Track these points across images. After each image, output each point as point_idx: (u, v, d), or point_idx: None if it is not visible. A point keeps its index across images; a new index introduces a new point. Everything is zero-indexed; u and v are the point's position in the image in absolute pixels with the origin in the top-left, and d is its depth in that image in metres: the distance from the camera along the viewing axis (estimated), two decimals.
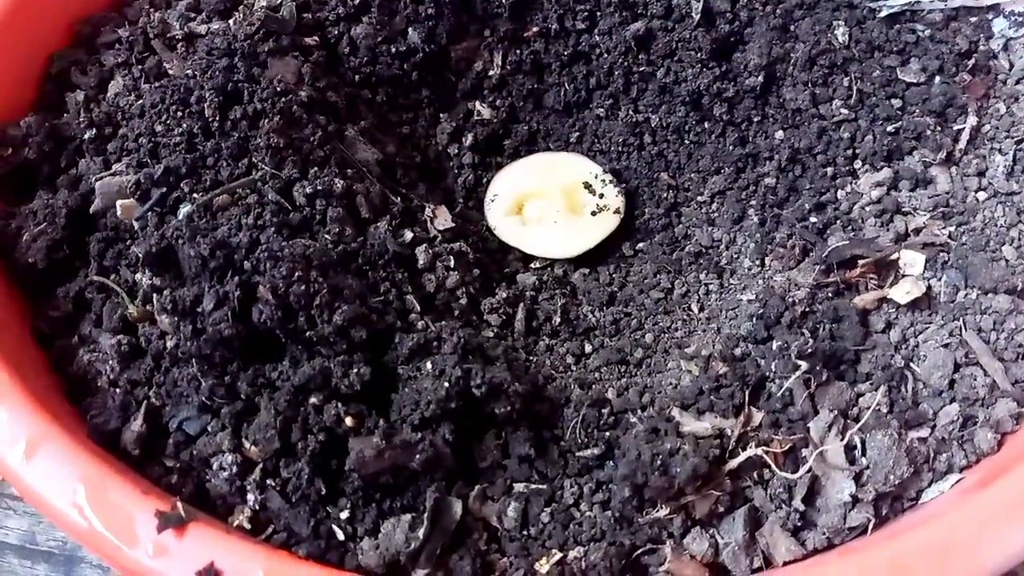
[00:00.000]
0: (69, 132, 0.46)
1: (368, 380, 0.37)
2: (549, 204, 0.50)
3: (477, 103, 0.52)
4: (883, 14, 0.48)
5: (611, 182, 0.50)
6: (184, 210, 0.41)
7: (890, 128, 0.46)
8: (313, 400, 0.37)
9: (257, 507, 0.37)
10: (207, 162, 0.43)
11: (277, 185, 0.42)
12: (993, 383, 0.39)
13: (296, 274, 0.38)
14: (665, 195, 0.50)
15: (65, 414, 0.39)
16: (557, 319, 0.45)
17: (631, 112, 0.51)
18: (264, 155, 0.42)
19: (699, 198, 0.49)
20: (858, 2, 0.48)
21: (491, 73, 0.52)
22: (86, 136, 0.46)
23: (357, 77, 0.50)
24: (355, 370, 0.37)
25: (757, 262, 0.46)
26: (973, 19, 0.48)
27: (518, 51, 0.52)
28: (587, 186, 0.50)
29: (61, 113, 0.47)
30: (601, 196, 0.50)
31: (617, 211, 0.50)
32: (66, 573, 0.49)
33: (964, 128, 0.45)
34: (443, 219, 0.47)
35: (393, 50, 0.50)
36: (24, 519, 0.50)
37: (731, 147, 0.48)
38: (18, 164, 0.45)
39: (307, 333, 0.38)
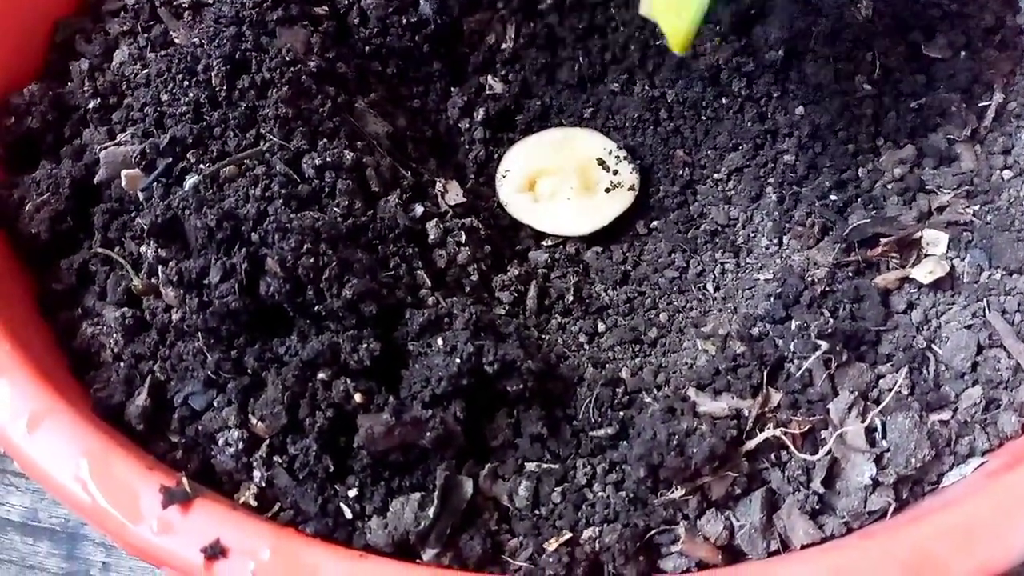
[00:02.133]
0: (73, 101, 0.45)
1: (378, 356, 0.37)
2: (562, 181, 0.49)
3: (489, 77, 0.51)
4: None
5: (626, 159, 0.49)
6: (190, 181, 0.40)
7: (914, 104, 0.45)
8: (321, 376, 0.36)
9: (264, 484, 0.36)
10: (214, 132, 0.42)
11: (285, 156, 0.41)
12: (1017, 365, 0.38)
13: (305, 247, 0.37)
14: (681, 172, 0.49)
15: (69, 388, 0.38)
16: (570, 297, 0.45)
17: (647, 87, 0.50)
18: (272, 126, 0.41)
19: (716, 175, 0.48)
20: None
21: (504, 46, 0.51)
22: (90, 105, 0.45)
23: (367, 48, 0.48)
24: (364, 345, 0.37)
25: (775, 241, 0.45)
26: None
27: (532, 24, 0.51)
28: (601, 163, 0.49)
29: (65, 82, 0.46)
30: (615, 173, 0.49)
31: (631, 188, 0.49)
32: (68, 550, 0.49)
33: (990, 105, 0.44)
34: (454, 194, 0.46)
35: (404, 21, 0.49)
36: (26, 496, 0.50)
37: (749, 123, 0.47)
38: (21, 133, 0.44)
39: (316, 307, 0.37)
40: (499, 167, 0.50)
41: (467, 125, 0.51)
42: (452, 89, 0.51)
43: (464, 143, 0.51)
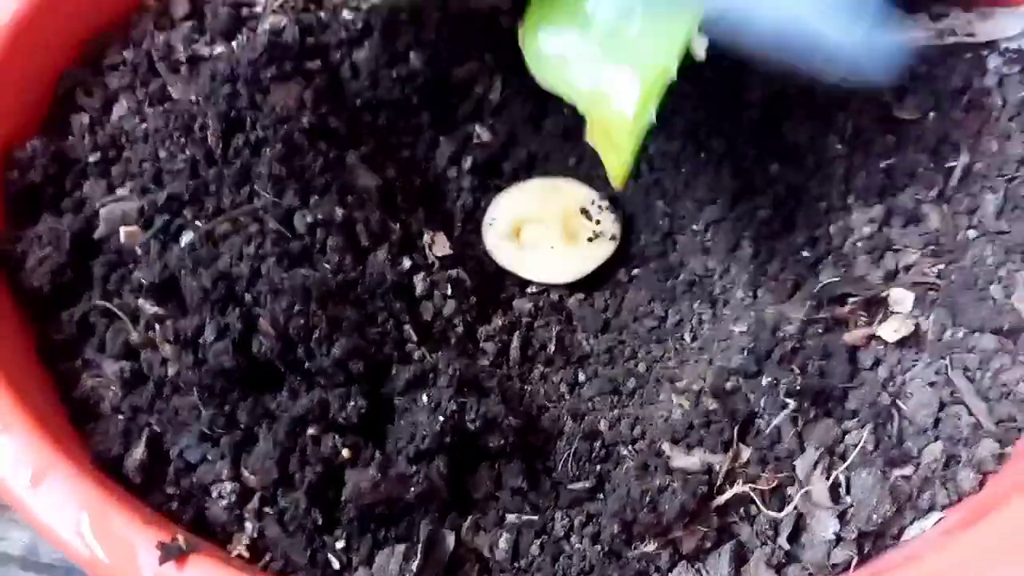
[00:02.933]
0: (74, 154, 0.47)
1: (365, 412, 0.38)
2: (546, 229, 0.51)
3: (477, 126, 0.53)
4: None
5: (608, 208, 0.51)
6: (186, 238, 0.42)
7: (883, 164, 0.46)
8: (311, 431, 0.38)
9: (255, 535, 0.38)
10: (209, 189, 0.43)
11: (278, 214, 0.43)
12: (977, 422, 0.40)
13: (296, 307, 0.39)
14: (661, 222, 0.50)
15: (68, 438, 0.40)
16: (552, 347, 0.46)
17: None
18: (266, 184, 0.43)
19: (694, 227, 0.50)
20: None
21: (491, 96, 0.53)
22: (90, 159, 0.46)
23: (359, 101, 0.50)
24: (352, 403, 0.38)
25: (750, 293, 0.47)
26: (968, 56, 0.48)
27: (519, 75, 0.52)
28: (584, 212, 0.51)
29: (66, 135, 0.48)
30: (598, 222, 0.51)
31: (613, 237, 0.50)
32: None
33: (957, 165, 0.46)
34: (441, 245, 0.47)
35: (395, 74, 0.50)
36: (27, 531, 0.51)
37: (727, 178, 0.49)
38: (24, 187, 0.46)
39: (306, 365, 0.39)
40: (486, 215, 0.52)
41: (455, 173, 0.52)
42: (441, 138, 0.52)
43: (452, 191, 0.52)
